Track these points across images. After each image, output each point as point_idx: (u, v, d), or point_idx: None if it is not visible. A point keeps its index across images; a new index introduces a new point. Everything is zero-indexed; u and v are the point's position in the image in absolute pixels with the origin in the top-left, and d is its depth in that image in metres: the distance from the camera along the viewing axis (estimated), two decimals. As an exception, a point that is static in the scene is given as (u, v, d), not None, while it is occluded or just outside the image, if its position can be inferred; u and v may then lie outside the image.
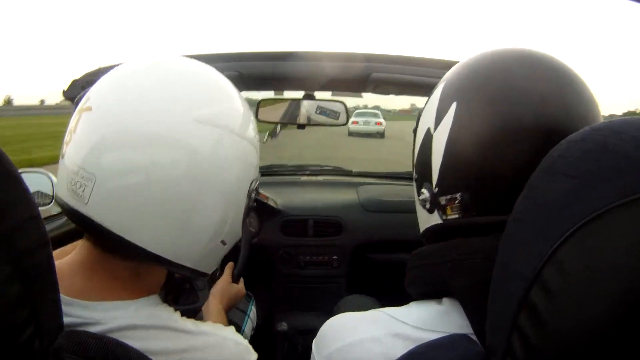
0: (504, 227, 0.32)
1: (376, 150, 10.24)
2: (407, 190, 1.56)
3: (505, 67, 0.40)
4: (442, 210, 0.42)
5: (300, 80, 1.08)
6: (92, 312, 0.41)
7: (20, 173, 0.33)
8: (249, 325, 0.76)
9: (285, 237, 1.39)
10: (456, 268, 0.38)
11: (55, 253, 0.36)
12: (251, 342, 0.54)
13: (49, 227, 0.93)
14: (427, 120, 0.44)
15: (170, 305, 0.48)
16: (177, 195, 0.41)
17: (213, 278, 0.73)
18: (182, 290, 0.56)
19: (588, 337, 0.25)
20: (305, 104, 1.24)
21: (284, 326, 1.18)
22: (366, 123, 15.22)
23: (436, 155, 0.42)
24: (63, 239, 0.95)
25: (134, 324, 0.42)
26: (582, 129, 0.30)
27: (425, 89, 0.98)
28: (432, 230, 0.44)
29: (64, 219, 1.00)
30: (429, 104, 0.45)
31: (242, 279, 0.79)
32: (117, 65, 0.46)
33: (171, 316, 0.46)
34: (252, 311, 0.79)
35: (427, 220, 0.45)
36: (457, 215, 0.40)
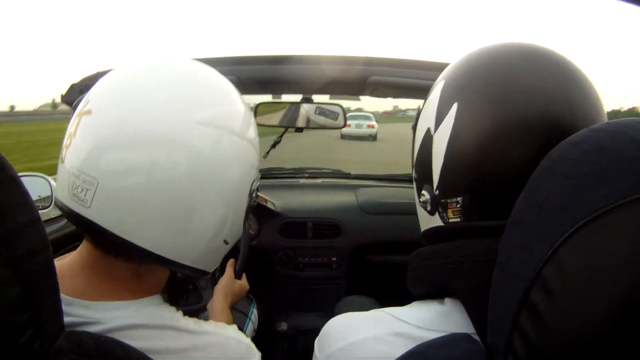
0: None
1: (368, 152, 10.28)
2: (404, 193, 1.57)
3: (507, 63, 0.38)
4: (444, 212, 0.41)
5: (298, 83, 1.08)
6: (92, 312, 0.41)
7: (19, 177, 0.33)
8: (250, 327, 0.76)
9: (284, 239, 1.39)
10: (457, 270, 0.38)
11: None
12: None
13: (48, 230, 0.93)
14: (426, 120, 0.43)
15: (173, 305, 0.48)
16: (179, 196, 0.41)
17: (213, 277, 0.73)
18: (186, 290, 0.56)
19: (589, 337, 0.25)
20: (304, 106, 1.25)
21: (283, 326, 1.19)
22: (358, 126, 15.29)
23: (437, 156, 0.41)
24: (62, 242, 0.95)
25: (134, 323, 0.42)
26: (581, 130, 0.30)
27: (423, 92, 0.98)
28: (433, 231, 0.44)
29: (63, 222, 1.01)
30: (428, 103, 0.45)
31: (244, 275, 0.79)
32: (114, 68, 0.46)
33: (173, 315, 0.46)
34: (254, 313, 0.79)
35: (427, 221, 0.44)
36: (459, 219, 0.40)
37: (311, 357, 0.47)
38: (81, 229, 0.43)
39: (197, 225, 0.44)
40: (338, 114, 1.26)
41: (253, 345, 0.52)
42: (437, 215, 0.42)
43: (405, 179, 1.74)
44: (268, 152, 1.26)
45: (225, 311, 0.65)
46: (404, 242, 1.29)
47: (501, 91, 0.37)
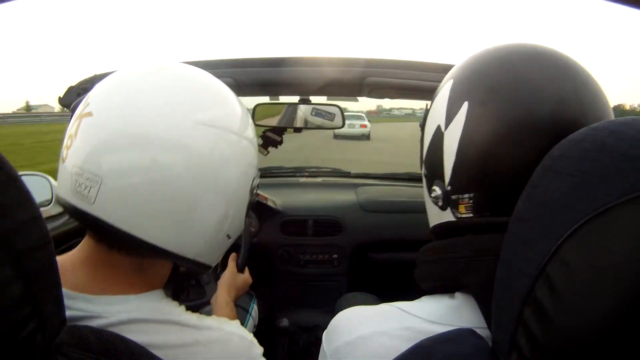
0: None
1: (358, 151, 10.28)
2: (405, 191, 1.59)
3: (516, 64, 0.39)
4: (455, 208, 0.42)
5: (296, 85, 1.09)
6: (94, 306, 0.42)
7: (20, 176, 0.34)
8: (250, 323, 0.77)
9: (285, 237, 1.40)
10: (468, 265, 0.38)
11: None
12: None
13: (49, 226, 0.94)
14: (436, 118, 0.44)
15: (175, 300, 0.48)
16: (179, 193, 0.42)
17: (215, 272, 0.74)
18: (189, 285, 0.56)
19: (593, 334, 0.25)
20: (302, 107, 1.26)
21: (285, 322, 1.19)
22: (351, 126, 15.26)
23: (448, 153, 0.41)
24: (63, 239, 0.96)
25: (136, 317, 0.42)
26: (581, 129, 0.31)
27: (420, 93, 0.99)
28: (443, 226, 0.44)
29: (64, 219, 1.02)
30: (436, 102, 0.45)
31: (247, 268, 0.79)
32: (112, 72, 0.47)
33: (175, 310, 0.46)
34: (254, 309, 0.79)
35: (438, 216, 0.45)
36: (471, 214, 0.40)
37: (311, 353, 0.47)
38: (85, 224, 0.43)
39: (200, 220, 0.45)
40: (335, 115, 1.26)
41: (256, 341, 0.52)
42: (448, 210, 0.43)
43: (405, 178, 1.75)
44: (268, 151, 1.27)
45: (229, 305, 0.65)
46: (404, 240, 1.30)
47: (511, 91, 0.38)
